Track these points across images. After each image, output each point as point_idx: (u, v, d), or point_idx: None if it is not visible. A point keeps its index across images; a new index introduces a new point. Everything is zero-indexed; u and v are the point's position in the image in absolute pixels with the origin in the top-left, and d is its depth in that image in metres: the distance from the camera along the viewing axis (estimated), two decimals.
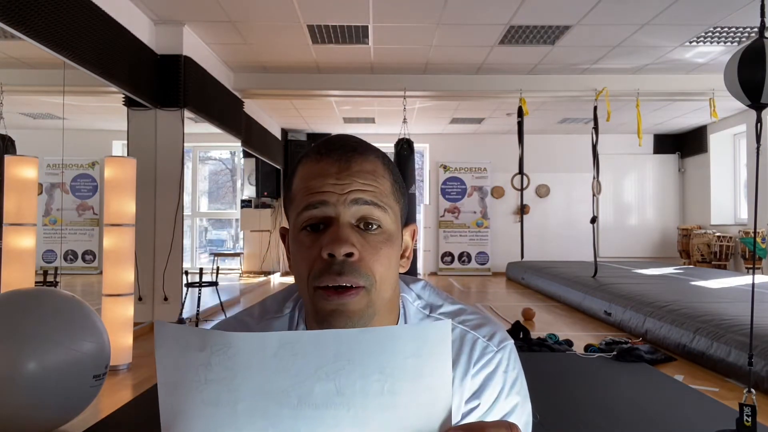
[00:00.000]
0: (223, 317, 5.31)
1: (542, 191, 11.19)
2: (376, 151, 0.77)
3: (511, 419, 0.77)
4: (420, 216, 11.06)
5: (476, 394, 0.77)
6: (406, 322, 0.80)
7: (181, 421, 0.51)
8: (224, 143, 9.02)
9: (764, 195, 8.32)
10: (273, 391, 0.50)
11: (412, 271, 6.21)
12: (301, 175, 0.74)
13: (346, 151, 0.73)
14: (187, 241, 6.85)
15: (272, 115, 9.44)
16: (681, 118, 9.59)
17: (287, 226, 0.77)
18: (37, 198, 3.79)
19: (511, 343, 0.82)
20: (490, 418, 0.76)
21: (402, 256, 0.77)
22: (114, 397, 3.04)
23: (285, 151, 10.72)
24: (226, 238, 10.65)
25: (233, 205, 10.45)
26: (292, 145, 10.74)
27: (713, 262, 9.39)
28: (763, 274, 8.43)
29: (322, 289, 0.68)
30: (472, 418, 0.76)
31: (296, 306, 0.83)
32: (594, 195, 7.01)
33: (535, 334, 4.65)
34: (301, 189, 0.72)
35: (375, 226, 0.70)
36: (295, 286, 0.82)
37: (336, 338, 0.50)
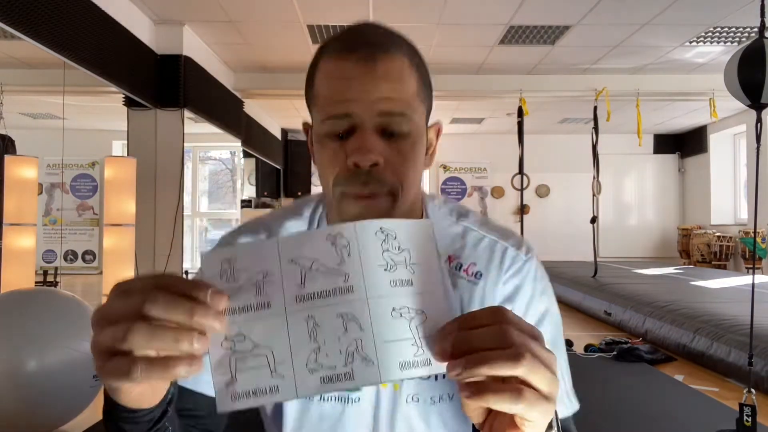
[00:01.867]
0: None
1: (542, 191, 11.19)
2: (403, 45, 0.72)
3: (542, 326, 0.77)
4: None
5: (508, 300, 0.76)
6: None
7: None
8: (224, 143, 9.03)
9: (764, 195, 8.32)
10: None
11: None
12: (323, 73, 0.70)
13: (371, 49, 0.68)
14: (187, 241, 6.85)
15: (272, 115, 9.44)
16: (681, 118, 9.59)
17: (309, 122, 0.75)
18: (37, 198, 3.79)
19: (536, 252, 0.82)
20: None
21: (426, 154, 0.76)
22: None
23: (285, 151, 10.72)
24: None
25: (233, 205, 10.45)
26: (292, 145, 10.74)
27: (713, 262, 9.39)
28: (763, 274, 8.42)
29: (347, 194, 0.68)
30: None
31: (316, 208, 0.82)
32: (594, 195, 7.01)
33: None
34: (324, 91, 0.69)
35: (400, 133, 0.68)
36: (307, 198, 0.85)
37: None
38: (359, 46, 0.68)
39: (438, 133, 0.81)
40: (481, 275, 0.76)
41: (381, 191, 0.67)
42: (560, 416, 0.70)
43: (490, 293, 0.75)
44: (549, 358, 0.48)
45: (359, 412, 0.72)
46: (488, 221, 0.83)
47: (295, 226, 0.81)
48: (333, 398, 0.72)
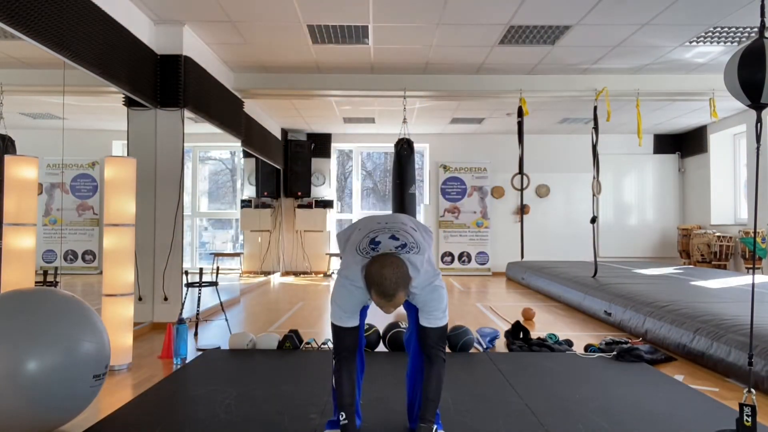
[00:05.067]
0: (223, 317, 5.31)
1: (542, 191, 11.19)
2: (400, 287, 2.03)
3: (435, 293, 2.22)
4: (420, 216, 11.07)
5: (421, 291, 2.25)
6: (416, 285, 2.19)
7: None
8: (224, 143, 9.02)
9: (764, 195, 8.32)
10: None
11: None
12: (372, 294, 2.08)
13: (390, 298, 2.04)
14: (187, 241, 6.84)
15: (272, 115, 9.44)
16: (681, 118, 9.59)
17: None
18: (37, 198, 3.79)
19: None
20: None
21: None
22: (114, 397, 3.04)
23: (285, 151, 10.72)
24: (224, 239, 10.65)
25: (233, 205, 10.45)
26: (292, 145, 10.74)
27: (713, 262, 9.39)
28: (763, 274, 8.43)
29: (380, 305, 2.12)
30: None
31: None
32: (594, 195, 7.01)
33: (535, 334, 4.65)
34: (372, 296, 2.08)
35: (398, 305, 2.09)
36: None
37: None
38: (389, 297, 2.04)
39: (408, 287, 2.10)
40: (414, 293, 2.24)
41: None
42: (441, 324, 2.22)
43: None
44: None
45: None
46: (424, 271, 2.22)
47: (361, 290, 2.21)
48: None
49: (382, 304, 2.04)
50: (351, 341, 2.22)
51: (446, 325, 2.25)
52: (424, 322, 2.23)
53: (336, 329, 2.22)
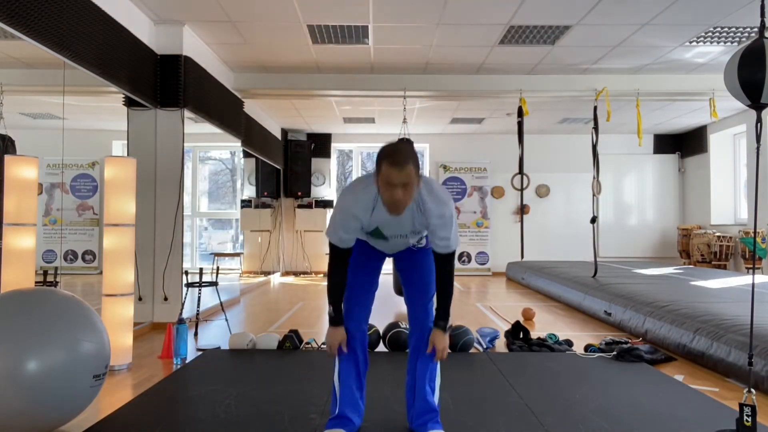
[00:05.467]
0: (223, 317, 5.31)
1: (542, 191, 11.19)
2: (410, 159, 2.10)
3: (444, 219, 2.28)
4: None
5: (432, 212, 2.28)
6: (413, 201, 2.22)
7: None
8: (224, 143, 9.02)
9: (764, 195, 8.32)
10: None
11: None
12: (384, 169, 2.10)
13: (401, 167, 2.07)
14: (187, 241, 6.84)
15: (272, 115, 9.44)
16: (681, 118, 9.59)
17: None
18: (37, 198, 3.79)
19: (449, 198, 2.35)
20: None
21: (418, 184, 2.17)
22: (114, 397, 3.04)
23: (285, 151, 10.72)
24: (224, 239, 10.65)
25: (233, 205, 10.45)
26: (292, 145, 10.74)
27: (713, 262, 9.39)
28: (763, 274, 8.43)
29: (389, 204, 2.15)
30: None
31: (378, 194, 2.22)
32: (594, 195, 7.01)
33: (535, 334, 4.65)
34: (383, 171, 2.11)
35: (408, 186, 2.11)
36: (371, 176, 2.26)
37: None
38: (399, 164, 2.08)
39: (419, 180, 2.19)
40: (437, 214, 2.26)
41: (401, 208, 2.17)
42: (451, 250, 2.33)
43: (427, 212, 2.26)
44: (446, 346, 2.37)
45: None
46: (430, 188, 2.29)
47: (371, 191, 2.24)
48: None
49: (392, 176, 2.06)
50: (347, 255, 2.37)
51: (455, 251, 2.39)
52: (439, 248, 2.32)
53: (332, 247, 2.37)
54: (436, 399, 2.48)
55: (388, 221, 2.27)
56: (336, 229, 2.30)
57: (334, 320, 2.40)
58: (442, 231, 2.27)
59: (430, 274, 2.46)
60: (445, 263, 2.35)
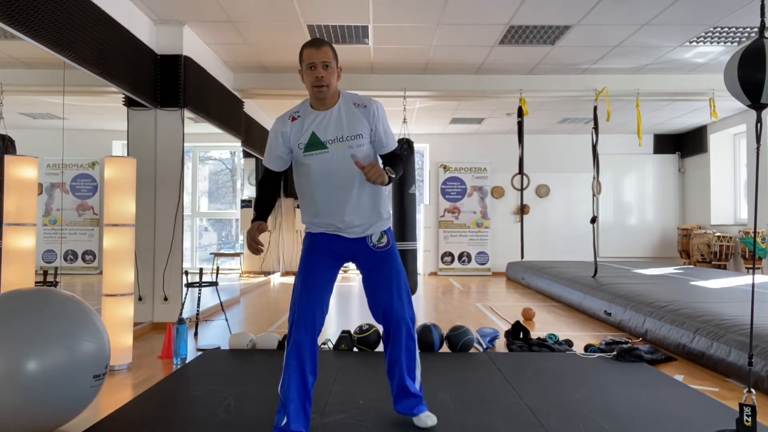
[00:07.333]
0: (223, 317, 5.31)
1: (542, 191, 11.20)
2: (328, 44, 2.35)
3: (381, 123, 2.50)
4: (420, 216, 11.06)
5: (371, 114, 2.48)
6: (340, 98, 2.44)
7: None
8: (224, 143, 9.01)
9: (764, 195, 8.32)
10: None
11: (413, 271, 6.21)
12: (305, 52, 2.34)
13: (319, 46, 2.33)
14: (187, 241, 6.84)
15: (272, 115, 9.44)
16: (681, 118, 9.59)
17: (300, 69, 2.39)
18: (37, 198, 3.78)
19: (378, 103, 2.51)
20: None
21: (338, 77, 2.39)
22: (114, 397, 3.04)
23: None
24: (224, 239, 10.65)
25: (233, 205, 10.45)
26: None
27: (713, 262, 9.39)
28: (763, 274, 8.43)
29: (313, 86, 2.33)
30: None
31: (305, 101, 2.45)
32: (594, 195, 7.01)
33: (535, 334, 4.65)
34: (304, 57, 2.33)
35: (329, 67, 2.33)
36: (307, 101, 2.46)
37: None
38: (315, 45, 2.34)
39: (339, 71, 2.40)
40: (364, 107, 2.43)
41: (326, 83, 2.33)
42: (394, 148, 2.55)
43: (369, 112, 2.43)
44: (382, 174, 2.33)
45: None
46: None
47: (296, 107, 2.47)
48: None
49: (312, 55, 2.30)
50: (277, 178, 2.52)
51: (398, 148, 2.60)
52: (385, 149, 2.50)
53: (264, 170, 2.53)
54: (417, 385, 2.54)
55: (321, 122, 2.36)
56: (267, 152, 2.45)
57: (254, 219, 2.48)
58: (380, 125, 2.45)
59: (399, 274, 2.48)
60: (394, 157, 2.53)
